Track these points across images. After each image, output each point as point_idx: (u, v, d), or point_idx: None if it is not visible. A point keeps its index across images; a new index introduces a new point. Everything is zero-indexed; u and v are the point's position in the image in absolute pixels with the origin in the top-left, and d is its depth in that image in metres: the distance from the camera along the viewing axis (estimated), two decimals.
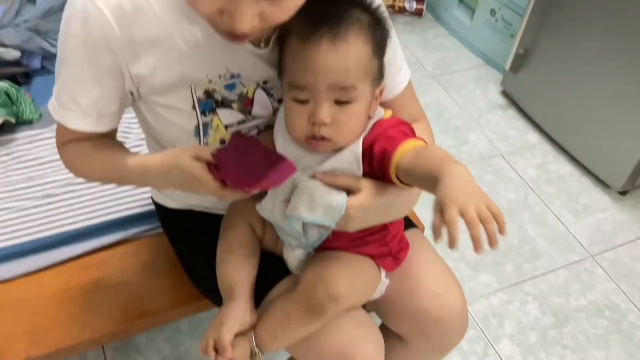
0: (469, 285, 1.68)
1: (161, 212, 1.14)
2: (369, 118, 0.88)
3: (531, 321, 1.62)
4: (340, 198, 0.84)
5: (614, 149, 1.92)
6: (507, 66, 2.20)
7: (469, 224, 0.63)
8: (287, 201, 0.88)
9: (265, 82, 0.92)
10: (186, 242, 1.10)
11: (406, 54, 2.58)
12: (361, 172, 0.86)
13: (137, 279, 1.16)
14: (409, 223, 1.10)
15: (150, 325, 1.13)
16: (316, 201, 0.84)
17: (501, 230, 0.64)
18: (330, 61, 0.79)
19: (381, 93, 0.88)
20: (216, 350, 0.89)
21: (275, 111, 0.96)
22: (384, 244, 0.95)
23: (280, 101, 0.95)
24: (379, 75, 0.86)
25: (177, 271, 1.14)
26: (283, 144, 0.89)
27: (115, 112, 0.89)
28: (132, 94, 0.88)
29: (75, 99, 0.84)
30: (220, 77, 0.88)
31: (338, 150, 0.86)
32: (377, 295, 1.01)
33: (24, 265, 1.13)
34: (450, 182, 0.67)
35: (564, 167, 2.09)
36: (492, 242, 0.63)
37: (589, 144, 2.02)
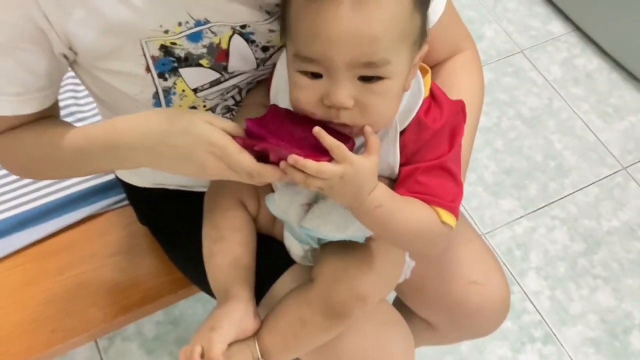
0: (489, 213, 1.50)
1: (128, 191, 0.93)
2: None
3: (559, 249, 1.47)
4: None
5: None
6: None
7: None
8: (308, 205, 0.70)
9: (243, 27, 0.69)
10: (162, 226, 0.91)
11: None
12: (397, 165, 0.66)
13: (109, 263, 0.98)
14: None
15: (133, 319, 0.96)
16: (350, 219, 0.66)
17: None
18: (353, 27, 0.55)
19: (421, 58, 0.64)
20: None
21: (261, 63, 0.73)
22: None
23: (265, 49, 0.72)
24: (422, 33, 0.61)
25: (158, 250, 0.95)
26: None
27: (42, 86, 0.67)
28: (65, 57, 0.66)
29: None
30: (180, 24, 0.65)
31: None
32: (400, 280, 0.83)
33: None
34: None
35: (592, 62, 1.83)
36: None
37: (619, 33, 1.75)
